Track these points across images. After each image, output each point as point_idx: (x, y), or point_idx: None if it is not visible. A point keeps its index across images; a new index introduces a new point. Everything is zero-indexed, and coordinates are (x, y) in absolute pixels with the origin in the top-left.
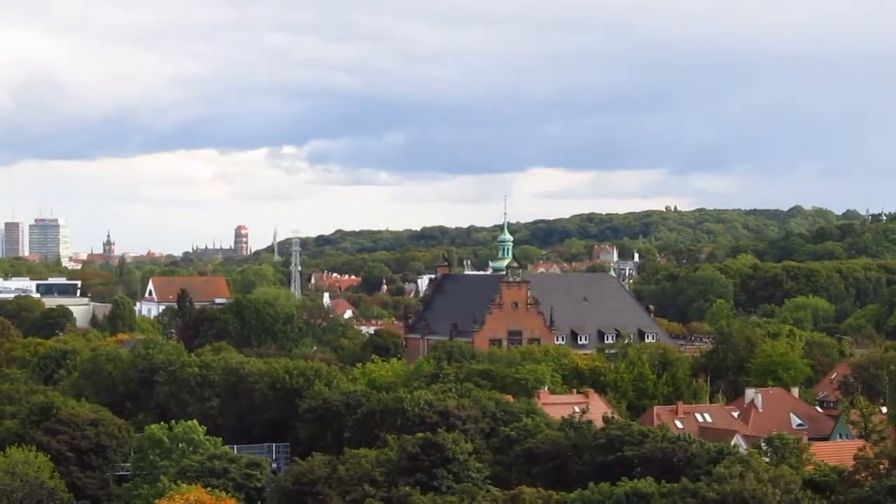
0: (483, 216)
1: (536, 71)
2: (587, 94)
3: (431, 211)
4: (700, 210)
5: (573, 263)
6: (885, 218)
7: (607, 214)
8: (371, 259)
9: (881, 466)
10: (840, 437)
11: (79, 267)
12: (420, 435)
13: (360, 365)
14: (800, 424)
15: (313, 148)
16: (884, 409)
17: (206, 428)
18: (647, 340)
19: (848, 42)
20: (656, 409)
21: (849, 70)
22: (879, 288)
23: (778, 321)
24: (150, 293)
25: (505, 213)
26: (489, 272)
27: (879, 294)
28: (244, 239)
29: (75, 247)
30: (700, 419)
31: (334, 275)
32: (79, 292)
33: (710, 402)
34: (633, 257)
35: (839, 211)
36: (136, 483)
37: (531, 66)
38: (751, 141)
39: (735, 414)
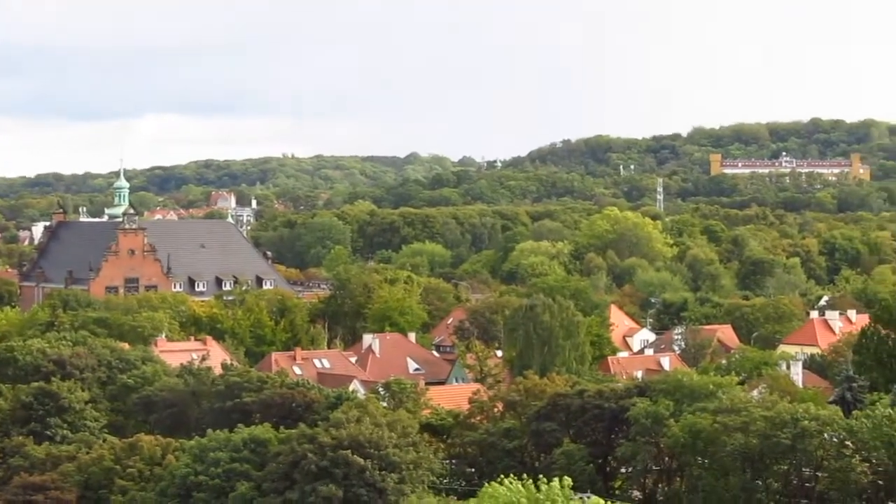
0: (99, 163)
1: (152, 13)
2: (207, 38)
3: (46, 158)
4: (318, 157)
5: (191, 210)
6: (499, 165)
7: (225, 161)
8: None
9: (496, 409)
10: (456, 380)
11: None
12: (34, 384)
13: None
14: (417, 369)
15: None
16: (499, 353)
17: None
18: (265, 287)
19: None
20: (275, 355)
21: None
22: (494, 234)
23: (395, 267)
24: None
25: (121, 160)
26: (105, 219)
27: (494, 240)
28: None
29: None
30: (318, 365)
31: None
32: None
33: (329, 347)
34: (250, 204)
35: (455, 157)
36: None
37: (147, 8)
38: (370, 87)
39: (353, 359)
